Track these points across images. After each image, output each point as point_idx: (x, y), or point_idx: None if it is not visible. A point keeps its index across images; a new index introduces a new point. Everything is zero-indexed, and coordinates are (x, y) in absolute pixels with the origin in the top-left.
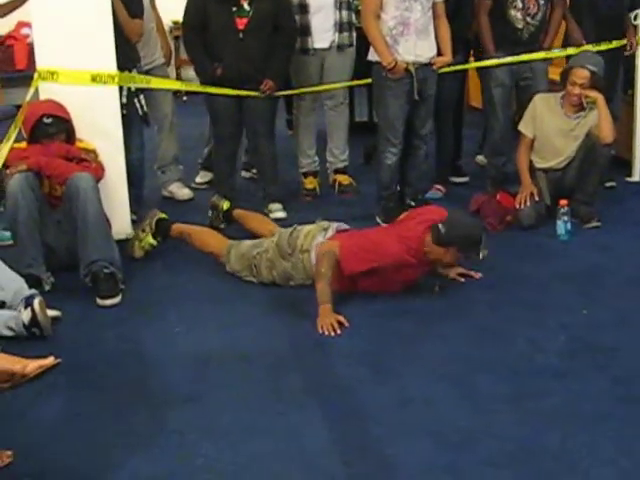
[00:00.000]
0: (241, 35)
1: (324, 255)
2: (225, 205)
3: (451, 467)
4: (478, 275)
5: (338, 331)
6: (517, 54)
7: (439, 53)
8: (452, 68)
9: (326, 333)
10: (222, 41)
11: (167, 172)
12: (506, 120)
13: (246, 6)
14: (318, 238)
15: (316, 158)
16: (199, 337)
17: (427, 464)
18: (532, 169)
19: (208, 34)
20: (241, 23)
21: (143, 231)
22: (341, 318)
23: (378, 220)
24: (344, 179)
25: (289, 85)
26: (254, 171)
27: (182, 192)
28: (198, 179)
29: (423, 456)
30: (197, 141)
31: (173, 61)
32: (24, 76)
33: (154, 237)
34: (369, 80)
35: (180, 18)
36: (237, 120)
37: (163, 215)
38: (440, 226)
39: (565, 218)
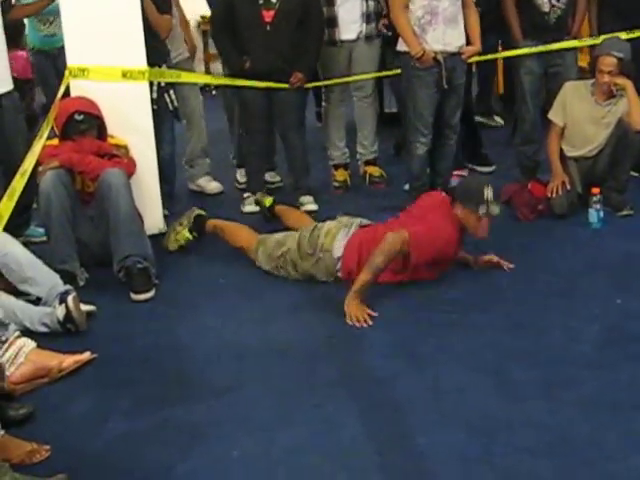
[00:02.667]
0: (268, 27)
1: (391, 246)
2: (268, 202)
3: (485, 456)
4: (509, 265)
5: (370, 322)
6: (545, 41)
7: (468, 42)
8: (481, 57)
9: (357, 325)
10: (249, 34)
11: (195, 166)
12: (536, 108)
13: None
14: (338, 237)
15: (346, 150)
16: (233, 330)
17: (461, 453)
18: (563, 157)
19: (235, 27)
20: (268, 15)
21: (180, 225)
22: (370, 311)
23: None
24: (374, 170)
25: (317, 77)
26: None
27: (211, 185)
28: (239, 178)
29: (457, 446)
30: (226, 134)
31: (202, 55)
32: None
33: (190, 232)
34: (398, 71)
35: (208, 13)
36: (267, 113)
37: (201, 211)
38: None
39: (597, 206)
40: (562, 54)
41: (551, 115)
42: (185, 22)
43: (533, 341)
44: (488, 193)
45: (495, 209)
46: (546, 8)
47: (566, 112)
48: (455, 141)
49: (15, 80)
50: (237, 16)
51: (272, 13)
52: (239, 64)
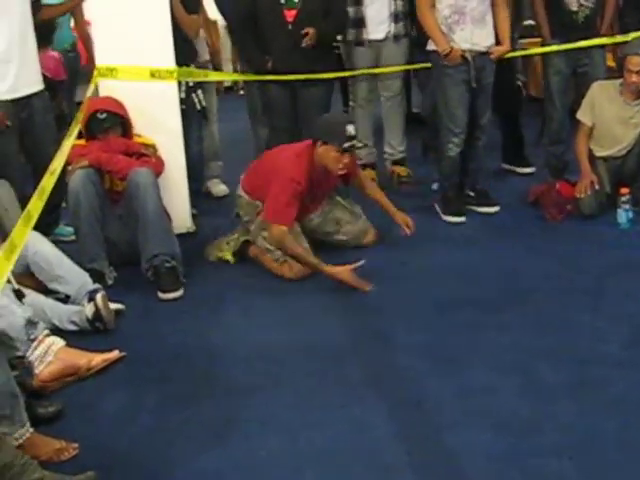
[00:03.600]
0: (290, 27)
1: (279, 241)
2: None
3: (513, 456)
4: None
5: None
6: (574, 40)
7: (497, 42)
8: (509, 55)
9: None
10: (271, 34)
11: (207, 168)
12: (564, 108)
13: None
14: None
15: (374, 150)
16: (261, 330)
17: (489, 453)
18: (592, 157)
19: (257, 27)
20: (290, 15)
21: (227, 244)
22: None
23: (437, 210)
24: (402, 170)
25: (345, 80)
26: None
27: (218, 188)
28: None
29: (485, 445)
30: (246, 135)
31: (230, 55)
32: (84, 73)
33: (233, 255)
34: (424, 65)
35: None
36: (291, 112)
37: (248, 236)
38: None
39: (626, 206)
40: (590, 54)
41: (579, 115)
42: (208, 24)
43: (561, 341)
44: (349, 129)
45: (351, 129)
46: (574, 7)
47: (594, 112)
48: (484, 142)
49: (48, 80)
50: (259, 16)
51: (294, 12)
52: (262, 64)
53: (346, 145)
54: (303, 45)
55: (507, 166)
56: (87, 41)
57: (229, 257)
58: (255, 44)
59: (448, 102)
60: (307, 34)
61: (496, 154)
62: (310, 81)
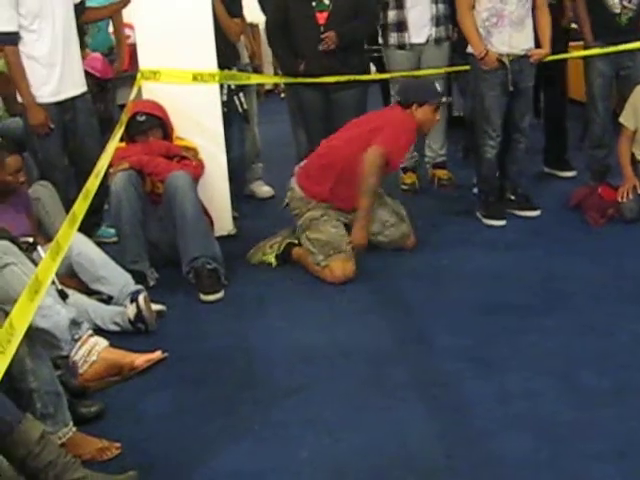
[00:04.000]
0: (322, 29)
1: (374, 164)
2: None
3: (554, 461)
4: None
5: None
6: (617, 42)
7: (538, 45)
8: (550, 58)
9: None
10: (304, 36)
11: (249, 170)
12: (606, 112)
13: (326, 0)
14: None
15: (415, 153)
16: (301, 332)
17: (529, 458)
18: (634, 161)
19: (291, 31)
20: (322, 17)
21: (270, 247)
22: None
23: (478, 215)
24: (443, 174)
25: (386, 83)
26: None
27: (262, 190)
28: None
29: (525, 450)
30: (288, 138)
31: (271, 59)
32: (126, 76)
33: (276, 258)
34: (465, 68)
35: None
36: (325, 115)
37: (293, 239)
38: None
39: None
40: (634, 56)
41: (622, 119)
42: (251, 27)
43: (603, 346)
44: (438, 85)
45: (446, 99)
46: (617, 9)
47: (637, 116)
48: (525, 145)
49: (97, 80)
50: (291, 19)
51: (326, 15)
52: (294, 66)
53: (443, 100)
54: (321, 49)
55: (549, 170)
56: (122, 45)
57: (272, 260)
58: (288, 47)
59: (484, 105)
60: (327, 37)
61: (538, 157)
62: (342, 83)
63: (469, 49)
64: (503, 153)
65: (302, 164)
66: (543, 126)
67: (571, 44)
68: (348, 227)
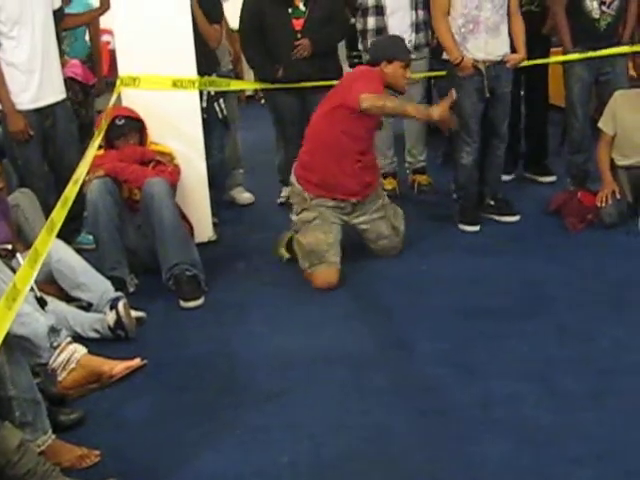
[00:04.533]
0: (299, 35)
1: (373, 100)
2: None
3: (534, 466)
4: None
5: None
6: (596, 48)
7: (513, 50)
8: (528, 63)
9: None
10: (280, 42)
11: (229, 177)
12: (585, 117)
13: (301, 6)
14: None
15: (395, 159)
16: (282, 338)
17: (510, 462)
18: (613, 166)
19: (265, 36)
20: (298, 24)
21: (281, 240)
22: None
23: (456, 220)
24: (423, 179)
25: None
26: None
27: (243, 196)
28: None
29: (506, 454)
30: (269, 144)
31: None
32: (105, 82)
33: (287, 250)
34: (443, 73)
35: None
36: (302, 119)
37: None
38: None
39: None
40: (613, 62)
41: (601, 124)
42: (229, 33)
43: (582, 350)
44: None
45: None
46: (596, 14)
47: (616, 121)
48: (503, 151)
49: (80, 85)
50: (267, 25)
51: (302, 21)
52: (272, 72)
53: (412, 56)
54: (295, 57)
55: (529, 175)
56: (100, 51)
57: (284, 253)
58: (264, 53)
59: (461, 112)
60: (301, 45)
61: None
62: (319, 88)
63: (445, 55)
64: (482, 159)
65: (297, 158)
66: (523, 131)
67: (552, 50)
68: (345, 228)
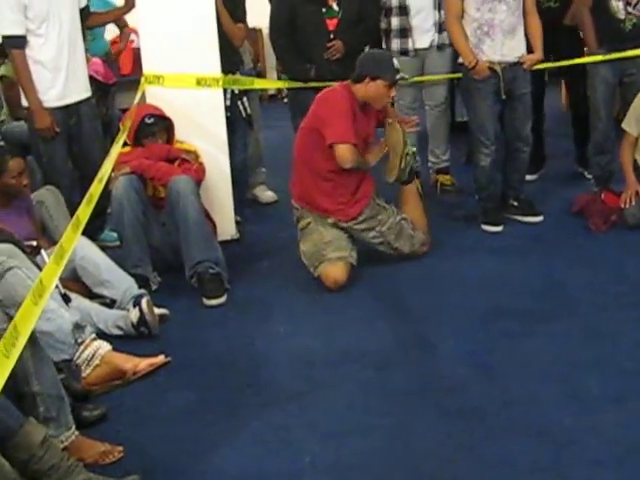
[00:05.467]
0: (331, 36)
1: (348, 161)
2: None
3: (555, 466)
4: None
5: None
6: (621, 49)
7: (530, 51)
8: (547, 65)
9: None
10: (313, 42)
11: (252, 175)
12: (609, 118)
13: (335, 6)
14: None
15: (418, 158)
16: (304, 337)
17: (532, 463)
18: (637, 167)
19: (298, 36)
20: (331, 24)
21: None
22: None
23: (479, 221)
24: (446, 179)
25: None
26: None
27: (265, 195)
28: None
29: (528, 455)
30: (291, 143)
31: (275, 64)
32: (129, 81)
33: None
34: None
35: None
36: None
37: None
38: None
39: None
40: (637, 63)
41: (625, 125)
42: (253, 32)
43: (604, 352)
44: (395, 62)
45: (402, 74)
46: (621, 15)
47: None
48: (527, 153)
49: (100, 84)
50: (299, 24)
51: (335, 21)
52: (303, 71)
53: (397, 77)
54: (327, 57)
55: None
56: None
57: None
58: (295, 52)
59: (477, 114)
60: (334, 46)
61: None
62: None
63: (460, 59)
64: (506, 161)
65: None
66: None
67: None
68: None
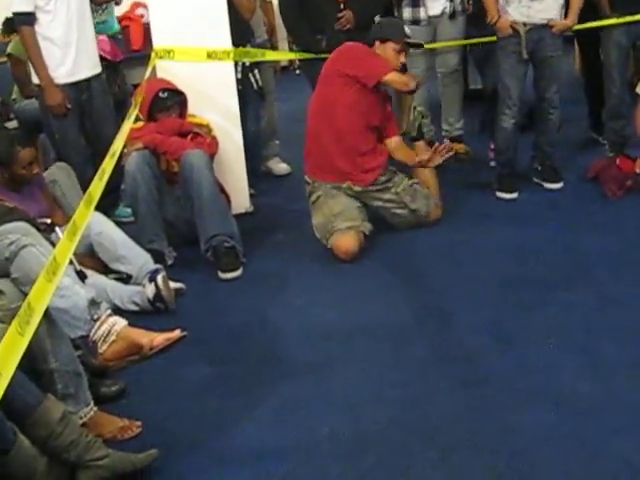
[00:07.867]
0: (342, 6)
1: (404, 80)
2: None
3: (575, 434)
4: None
5: None
6: (634, 12)
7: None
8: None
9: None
10: (323, 13)
11: (265, 147)
12: (623, 82)
13: None
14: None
15: (431, 127)
16: (320, 309)
17: (551, 431)
18: None
19: (308, 7)
20: None
21: None
22: None
23: (494, 188)
24: (460, 147)
25: None
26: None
27: (279, 167)
28: None
29: (547, 423)
30: (304, 114)
31: (286, 35)
32: (140, 56)
33: None
34: (481, 40)
35: None
36: None
37: None
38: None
39: None
40: None
41: (639, 89)
42: (265, 3)
43: (624, 319)
44: (405, 29)
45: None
46: None
47: None
48: (556, 117)
49: (107, 62)
50: None
51: None
52: (313, 43)
53: (410, 41)
54: (338, 28)
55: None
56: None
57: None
58: (305, 23)
59: (501, 73)
60: (344, 17)
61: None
62: None
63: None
64: (535, 122)
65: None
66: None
67: None
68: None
